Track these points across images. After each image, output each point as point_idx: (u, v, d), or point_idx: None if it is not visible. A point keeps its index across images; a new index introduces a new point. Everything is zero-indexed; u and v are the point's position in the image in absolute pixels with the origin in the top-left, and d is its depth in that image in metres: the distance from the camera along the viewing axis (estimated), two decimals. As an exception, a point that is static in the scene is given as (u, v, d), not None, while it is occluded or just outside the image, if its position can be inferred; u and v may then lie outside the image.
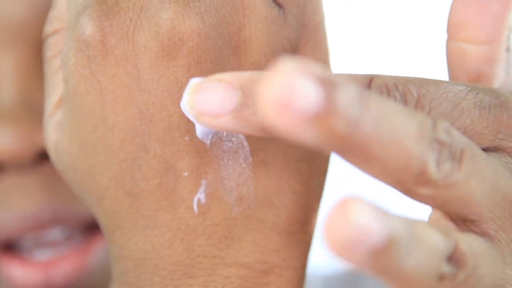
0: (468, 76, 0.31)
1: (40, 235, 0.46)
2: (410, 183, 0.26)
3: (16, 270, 0.46)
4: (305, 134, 0.22)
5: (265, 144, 0.32)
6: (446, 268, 0.26)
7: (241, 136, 0.32)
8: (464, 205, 0.28)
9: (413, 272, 0.25)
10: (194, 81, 0.29)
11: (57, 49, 0.35)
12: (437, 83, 0.29)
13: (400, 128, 0.25)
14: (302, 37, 0.32)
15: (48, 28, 0.36)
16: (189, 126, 0.31)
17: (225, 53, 0.31)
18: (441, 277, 0.26)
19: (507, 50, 0.31)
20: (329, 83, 0.22)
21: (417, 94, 0.29)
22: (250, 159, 0.32)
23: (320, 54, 0.33)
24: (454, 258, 0.26)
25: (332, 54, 0.34)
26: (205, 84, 0.29)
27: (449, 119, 0.29)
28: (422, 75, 0.30)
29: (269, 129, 0.24)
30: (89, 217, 0.46)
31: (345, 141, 0.23)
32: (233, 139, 0.32)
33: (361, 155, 0.24)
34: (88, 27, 0.31)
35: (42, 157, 0.44)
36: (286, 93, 0.22)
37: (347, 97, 0.23)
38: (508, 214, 0.28)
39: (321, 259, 0.59)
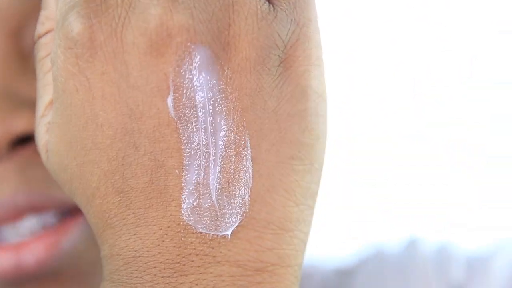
0: None
1: (16, 225, 0.45)
2: None
3: None
4: None
5: (256, 142, 0.32)
6: None
7: (232, 134, 0.31)
8: None
9: None
10: None
11: (49, 49, 0.35)
12: None
13: None
14: (293, 33, 0.32)
15: (40, 28, 0.35)
16: (179, 123, 0.31)
17: (214, 48, 0.31)
18: None
19: None
20: None
21: None
22: (242, 157, 0.32)
23: (311, 50, 0.32)
24: None
25: (332, 52, 0.34)
26: None
27: None
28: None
29: None
30: (66, 202, 0.45)
31: None
32: (224, 138, 0.31)
33: None
34: (77, 25, 0.31)
35: (18, 143, 0.44)
36: None
37: None
38: None
39: (318, 255, 0.59)
